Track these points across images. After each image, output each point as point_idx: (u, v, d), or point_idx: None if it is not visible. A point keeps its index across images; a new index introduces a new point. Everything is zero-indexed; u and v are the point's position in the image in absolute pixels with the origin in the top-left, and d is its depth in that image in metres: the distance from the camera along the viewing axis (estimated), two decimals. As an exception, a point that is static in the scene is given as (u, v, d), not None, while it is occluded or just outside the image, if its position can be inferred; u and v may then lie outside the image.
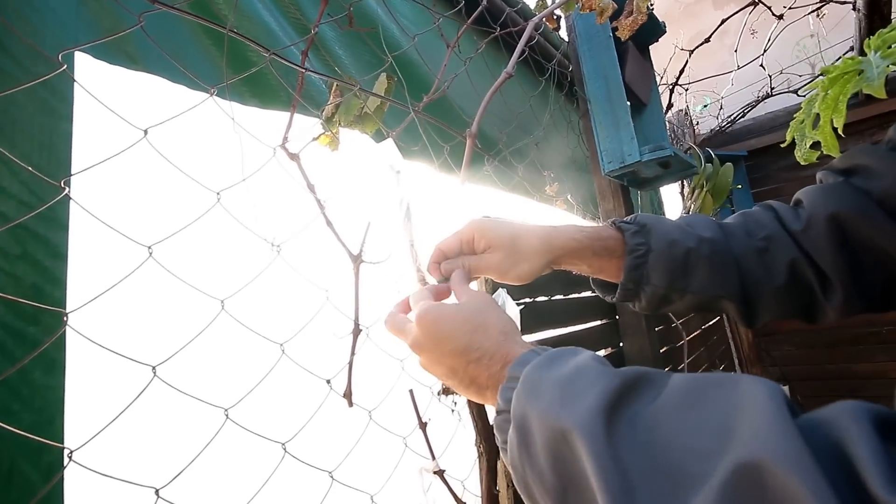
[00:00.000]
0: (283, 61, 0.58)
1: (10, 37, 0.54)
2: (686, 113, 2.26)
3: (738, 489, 0.20)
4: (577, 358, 0.31)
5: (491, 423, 0.56)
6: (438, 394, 0.56)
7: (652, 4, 0.89)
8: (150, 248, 0.44)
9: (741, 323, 0.54)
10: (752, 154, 2.59)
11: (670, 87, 1.97)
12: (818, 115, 0.53)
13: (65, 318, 0.42)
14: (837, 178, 0.52)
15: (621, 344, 1.38)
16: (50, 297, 0.50)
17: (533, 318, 1.03)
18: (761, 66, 1.95)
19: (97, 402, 0.52)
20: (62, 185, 0.44)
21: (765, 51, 1.95)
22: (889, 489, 0.17)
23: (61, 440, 0.48)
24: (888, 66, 0.45)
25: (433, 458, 0.57)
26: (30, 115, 0.54)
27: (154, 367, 0.43)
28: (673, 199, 2.61)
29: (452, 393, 0.58)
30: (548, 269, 0.51)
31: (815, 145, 0.53)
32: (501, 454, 0.33)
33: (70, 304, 0.51)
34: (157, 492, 0.43)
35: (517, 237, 0.48)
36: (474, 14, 0.85)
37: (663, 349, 1.51)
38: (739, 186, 2.42)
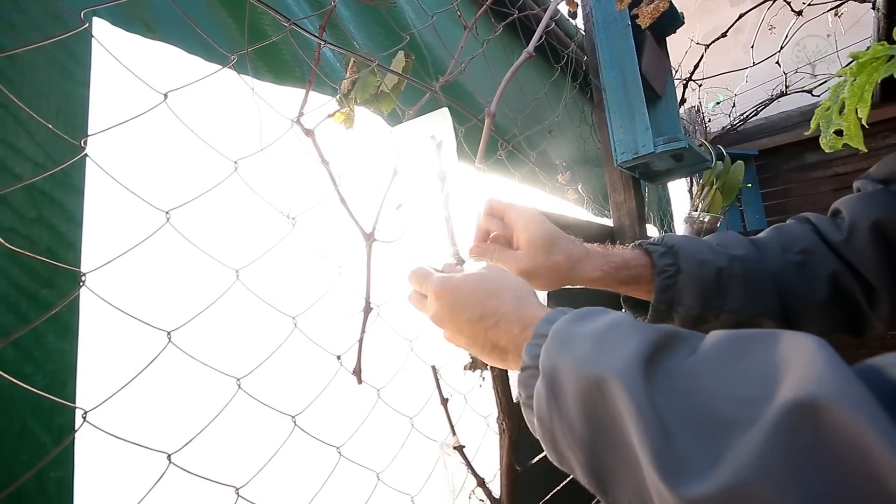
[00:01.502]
0: (302, 32, 0.58)
1: (28, -2, 0.53)
2: (698, 109, 2.24)
3: (791, 429, 0.19)
4: (608, 315, 0.31)
5: (514, 398, 0.56)
6: (465, 368, 0.56)
7: (674, -9, 0.88)
8: (167, 213, 0.43)
9: None
10: (763, 153, 2.57)
11: (684, 82, 1.95)
12: (844, 103, 0.52)
13: (82, 279, 0.42)
14: (876, 185, 0.51)
15: (626, 337, 1.38)
16: (64, 261, 0.50)
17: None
18: (777, 63, 1.92)
19: (109, 368, 0.53)
20: (81, 143, 0.44)
21: (781, 48, 1.93)
22: None
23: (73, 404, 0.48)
24: (923, 50, 0.44)
25: (454, 433, 0.57)
26: (47, 79, 0.53)
27: (169, 333, 0.43)
28: (681, 197, 2.60)
29: (480, 367, 0.58)
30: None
31: (840, 133, 0.53)
32: (524, 410, 0.33)
33: (85, 269, 0.51)
34: (168, 457, 0.43)
35: (552, 250, 0.49)
36: (493, -4, 0.84)
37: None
38: (749, 185, 2.40)
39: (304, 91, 0.64)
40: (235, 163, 0.50)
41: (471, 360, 0.57)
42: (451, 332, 0.41)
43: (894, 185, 0.50)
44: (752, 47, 1.93)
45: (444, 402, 0.57)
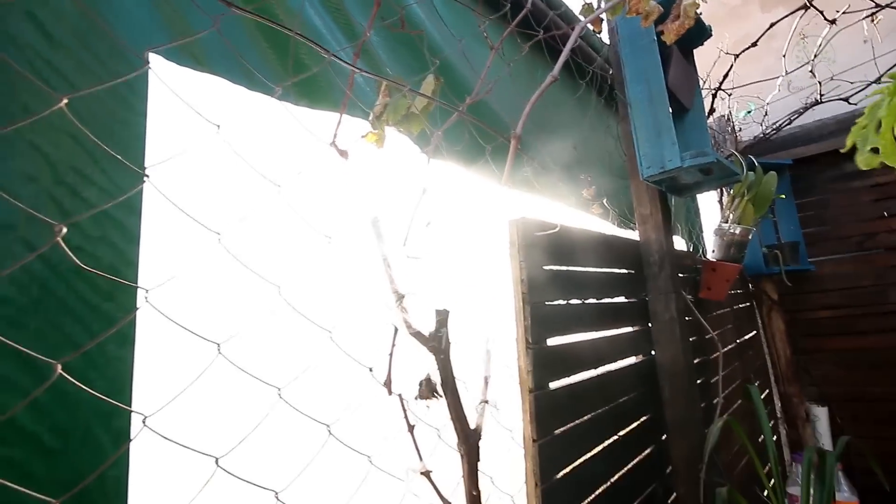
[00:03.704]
0: (339, 61, 0.62)
1: (93, 36, 0.59)
2: (728, 119, 2.20)
3: None
4: None
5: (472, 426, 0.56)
6: (416, 398, 0.59)
7: (700, 11, 0.88)
8: (219, 234, 0.47)
9: None
10: (798, 163, 2.49)
11: (713, 91, 1.92)
12: (881, 120, 0.52)
13: (145, 296, 0.46)
14: None
15: (653, 352, 1.36)
16: (124, 277, 0.54)
17: (565, 321, 1.03)
18: (811, 72, 1.88)
19: (160, 376, 0.57)
20: (145, 173, 0.48)
21: (815, 56, 1.88)
22: None
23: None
24: (956, 72, 0.44)
25: (420, 458, 0.59)
26: (110, 111, 0.59)
27: (219, 345, 0.47)
28: (710, 208, 2.54)
29: (428, 397, 0.60)
30: None
31: (877, 150, 0.52)
32: None
33: (141, 283, 0.55)
34: (217, 461, 0.46)
35: None
36: (519, 16, 0.87)
37: (696, 360, 1.48)
38: (783, 196, 2.33)
39: (333, 113, 0.68)
40: (279, 186, 0.53)
41: (420, 391, 0.60)
42: None
43: None
44: (784, 56, 1.89)
45: (411, 429, 0.59)
